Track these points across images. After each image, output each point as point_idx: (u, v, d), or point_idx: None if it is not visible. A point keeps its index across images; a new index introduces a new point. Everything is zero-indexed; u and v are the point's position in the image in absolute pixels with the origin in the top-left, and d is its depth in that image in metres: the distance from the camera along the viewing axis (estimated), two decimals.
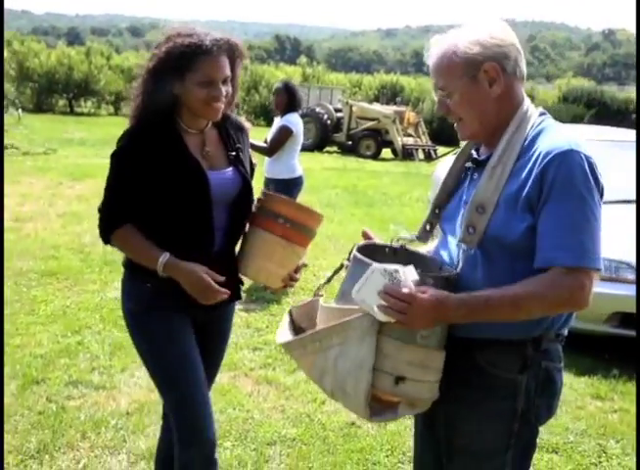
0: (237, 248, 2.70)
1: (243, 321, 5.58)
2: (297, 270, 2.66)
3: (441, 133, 24.96)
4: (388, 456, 3.71)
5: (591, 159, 1.90)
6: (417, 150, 21.83)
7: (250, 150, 2.79)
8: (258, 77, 33.61)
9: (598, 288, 5.29)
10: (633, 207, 5.33)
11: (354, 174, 16.24)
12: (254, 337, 5.29)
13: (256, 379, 4.60)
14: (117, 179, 2.49)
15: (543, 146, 1.91)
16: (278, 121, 6.79)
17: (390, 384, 1.89)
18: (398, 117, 21.39)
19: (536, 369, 2.00)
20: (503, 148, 1.97)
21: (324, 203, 10.95)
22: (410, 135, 22.12)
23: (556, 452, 3.87)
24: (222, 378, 4.30)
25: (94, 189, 11.28)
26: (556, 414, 4.11)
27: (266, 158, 6.73)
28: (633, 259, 5.08)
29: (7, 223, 8.50)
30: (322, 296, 2.17)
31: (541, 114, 2.05)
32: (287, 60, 72.43)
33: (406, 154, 21.24)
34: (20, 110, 22.10)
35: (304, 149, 21.38)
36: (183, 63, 2.39)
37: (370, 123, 21.66)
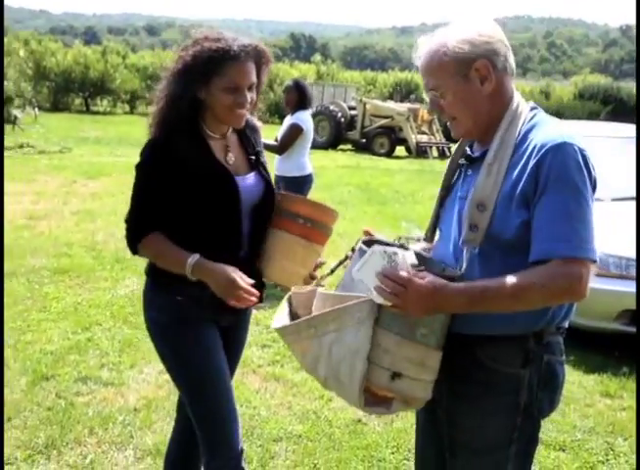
0: None
1: (252, 318, 5.53)
2: (315, 268, 2.64)
3: None
4: (393, 453, 3.71)
5: (585, 151, 1.91)
6: (431, 147, 21.76)
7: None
8: (273, 76, 33.57)
9: (608, 285, 5.26)
10: None
11: (368, 172, 16.23)
12: (263, 334, 5.31)
13: (264, 376, 4.61)
14: (143, 190, 2.44)
15: (537, 140, 1.92)
16: (288, 119, 6.80)
17: (387, 379, 1.89)
18: (412, 115, 21.33)
19: (539, 363, 2.00)
20: (498, 144, 1.98)
21: (337, 200, 10.94)
22: (424, 133, 22.05)
23: (563, 450, 3.85)
24: None
25: (108, 187, 11.40)
26: (564, 412, 4.18)
27: (276, 155, 6.74)
28: None
29: (21, 221, 8.63)
30: (323, 286, 2.18)
31: (532, 108, 2.06)
32: (302, 58, 72.45)
33: (420, 151, 21.17)
34: (36, 108, 22.23)
35: (318, 147, 21.58)
36: (210, 67, 2.35)
37: (384, 121, 21.64)
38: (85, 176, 12.62)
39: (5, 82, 17.89)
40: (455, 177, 2.19)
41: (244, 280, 2.35)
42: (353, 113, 22.63)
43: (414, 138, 21.14)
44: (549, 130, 1.95)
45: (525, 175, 1.89)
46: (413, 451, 3.61)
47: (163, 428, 3.81)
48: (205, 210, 2.42)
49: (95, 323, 5.35)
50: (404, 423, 3.95)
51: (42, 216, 9.05)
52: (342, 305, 1.90)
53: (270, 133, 6.55)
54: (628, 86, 40.17)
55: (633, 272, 5.11)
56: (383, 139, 21.78)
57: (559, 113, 31.72)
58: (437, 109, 2.06)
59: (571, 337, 5.20)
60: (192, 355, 2.52)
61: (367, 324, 1.87)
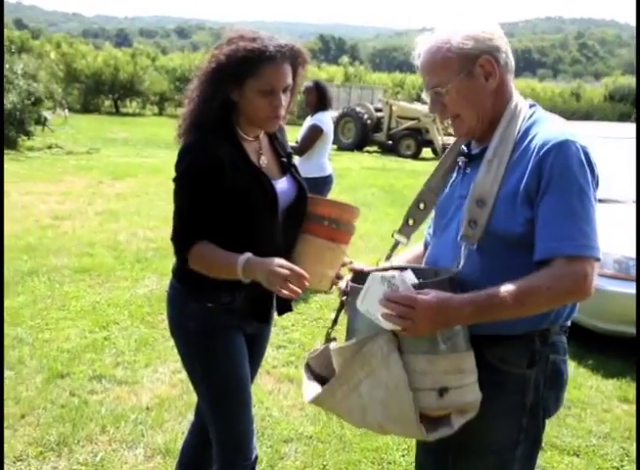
0: None
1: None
2: (341, 267, 2.60)
3: None
4: (404, 456, 3.69)
5: (587, 148, 1.89)
6: None
7: None
8: (301, 77, 33.72)
9: (629, 289, 5.16)
10: None
11: (392, 174, 16.19)
12: (280, 335, 5.30)
13: (278, 377, 4.61)
14: (190, 197, 2.35)
15: (538, 137, 1.91)
16: (309, 120, 6.79)
17: (435, 399, 1.85)
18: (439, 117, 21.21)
19: (544, 363, 1.99)
20: (498, 141, 1.97)
21: (360, 202, 10.87)
22: (450, 134, 21.85)
23: (577, 455, 3.80)
24: None
25: (133, 188, 11.50)
26: (580, 417, 4.14)
27: (296, 156, 6.73)
28: None
29: (46, 221, 8.74)
30: (334, 340, 2.13)
31: (531, 105, 2.06)
32: (331, 60, 72.59)
33: None
34: (66, 110, 22.51)
35: (344, 148, 21.56)
36: (245, 68, 2.26)
37: (410, 123, 21.58)
38: (111, 177, 12.73)
39: (35, 84, 18.15)
40: (453, 176, 2.17)
41: (286, 266, 2.19)
42: (380, 114, 22.60)
43: (440, 140, 21.02)
44: (551, 128, 1.94)
45: (528, 173, 1.88)
46: None
47: (175, 427, 3.83)
48: (243, 216, 2.36)
49: (113, 322, 5.38)
50: None
51: (67, 216, 9.14)
52: (363, 351, 1.87)
53: (292, 135, 6.54)
54: None
55: None
56: (409, 141, 21.73)
57: (589, 114, 31.44)
58: (440, 107, 2.03)
59: (590, 341, 5.22)
60: (219, 365, 2.51)
61: (393, 356, 1.83)
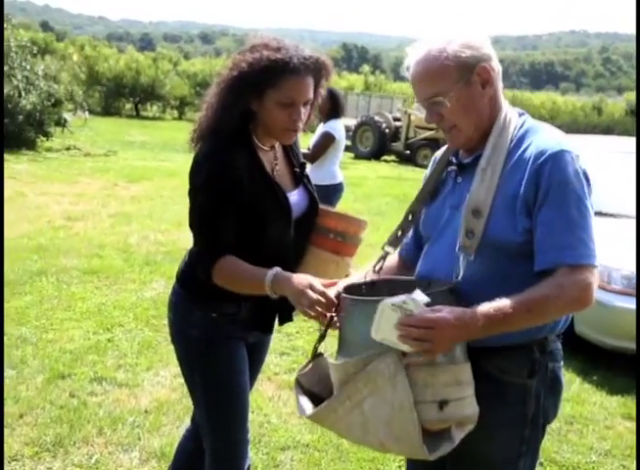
0: None
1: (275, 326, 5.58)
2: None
3: None
4: (400, 467, 3.65)
5: (580, 157, 1.91)
6: None
7: None
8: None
9: (634, 305, 5.06)
10: None
11: (408, 183, 16.12)
12: (284, 342, 5.28)
13: (279, 384, 4.58)
14: (213, 212, 2.27)
15: (534, 147, 1.92)
16: (321, 128, 6.78)
17: (436, 412, 1.82)
18: None
19: (544, 372, 2.00)
20: (491, 150, 1.96)
21: (373, 211, 10.89)
22: None
23: None
24: None
25: (148, 191, 11.54)
26: (581, 433, 4.10)
27: (308, 164, 6.72)
28: None
29: (59, 221, 8.78)
30: (322, 355, 2.10)
31: (520, 114, 2.06)
32: (353, 68, 72.67)
33: None
34: (86, 112, 22.67)
35: (362, 157, 21.51)
36: (266, 78, 2.21)
37: (428, 133, 21.47)
38: (127, 180, 12.79)
39: (56, 86, 18.31)
40: (443, 186, 2.15)
41: (317, 290, 2.05)
42: (398, 124, 22.56)
43: None
44: (546, 137, 1.95)
45: (525, 183, 1.88)
46: None
47: (172, 431, 3.82)
48: (256, 227, 2.32)
49: (117, 324, 5.39)
50: None
51: (80, 217, 9.18)
52: (368, 368, 1.82)
53: (304, 142, 6.53)
54: None
55: None
56: (426, 151, 21.63)
57: (609, 128, 31.24)
58: (437, 118, 2.00)
59: (597, 357, 5.15)
60: (219, 375, 2.49)
61: (401, 376, 1.80)
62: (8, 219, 8.46)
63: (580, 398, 4.66)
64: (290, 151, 2.55)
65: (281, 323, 2.61)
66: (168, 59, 40.06)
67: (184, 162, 12.77)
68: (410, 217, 2.21)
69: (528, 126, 2.01)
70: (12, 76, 16.00)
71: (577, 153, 1.91)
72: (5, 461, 3.40)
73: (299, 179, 2.54)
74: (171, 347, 2.63)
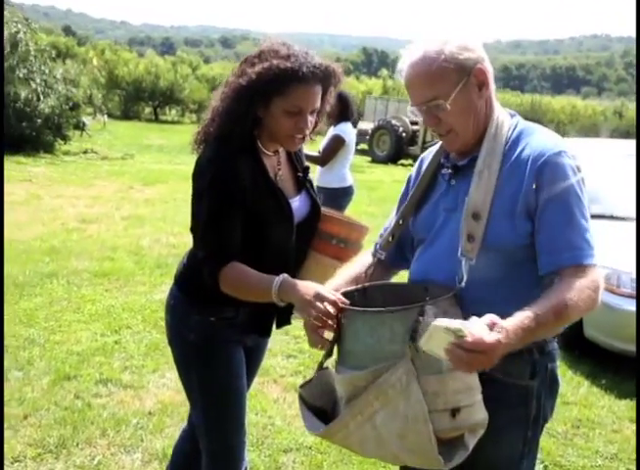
0: None
1: (282, 328, 5.56)
2: None
3: None
4: None
5: (575, 156, 1.92)
6: None
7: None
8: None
9: None
10: None
11: None
12: (291, 344, 5.27)
13: (285, 386, 4.58)
14: (218, 216, 2.24)
15: (531, 149, 1.91)
16: (331, 131, 6.77)
17: (448, 420, 1.79)
18: None
19: (544, 373, 2.00)
20: (486, 152, 1.94)
21: (386, 215, 10.74)
22: None
23: None
24: None
25: (163, 194, 11.60)
26: (588, 436, 4.08)
27: (318, 167, 6.72)
28: None
29: (73, 224, 8.84)
30: (327, 368, 2.06)
31: (512, 115, 2.04)
32: (373, 72, 72.66)
33: None
34: (105, 116, 22.82)
35: (379, 161, 21.46)
36: (274, 86, 2.19)
37: None
38: (142, 183, 12.86)
39: (74, 89, 18.44)
40: (433, 189, 2.12)
41: (327, 299, 1.96)
42: (415, 128, 22.48)
43: None
44: (542, 139, 1.94)
45: (525, 185, 1.87)
46: None
47: (175, 433, 3.79)
48: (257, 232, 2.30)
49: (125, 326, 5.41)
50: None
51: (93, 220, 9.24)
52: (380, 381, 1.78)
53: (314, 146, 6.52)
54: None
55: None
56: None
57: (629, 133, 30.99)
58: (434, 122, 1.97)
59: (606, 361, 5.10)
60: (216, 378, 2.49)
61: (413, 387, 1.75)
62: (22, 222, 8.57)
63: (588, 401, 4.62)
64: (293, 155, 2.54)
65: (279, 326, 2.60)
66: (188, 63, 40.27)
67: None
68: (401, 222, 2.18)
69: (522, 128, 1.99)
70: (31, 80, 16.15)
71: (573, 153, 1.91)
72: (7, 462, 3.42)
73: (302, 184, 2.53)
74: None
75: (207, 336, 2.44)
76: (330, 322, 1.95)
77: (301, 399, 2.07)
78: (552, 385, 2.04)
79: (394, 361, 1.76)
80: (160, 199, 11.21)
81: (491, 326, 1.65)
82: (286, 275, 2.13)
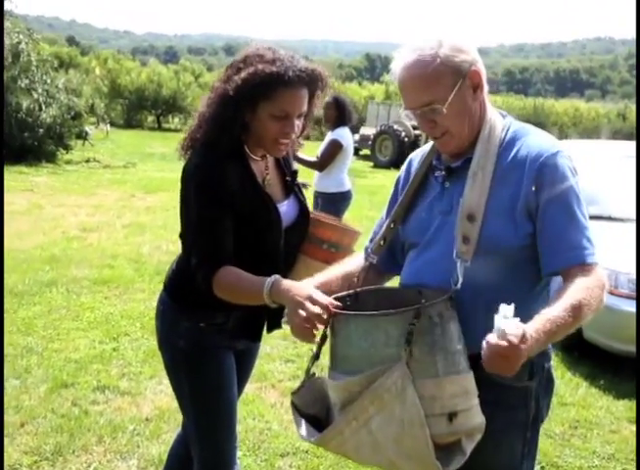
0: None
1: (280, 333, 5.53)
2: None
3: None
4: None
5: (571, 157, 1.93)
6: None
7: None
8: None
9: None
10: None
11: None
12: (289, 349, 5.27)
13: (282, 391, 4.57)
14: (209, 217, 2.23)
15: (528, 150, 1.91)
16: (329, 136, 6.78)
17: (446, 424, 1.77)
18: None
19: (541, 372, 2.00)
20: (480, 153, 1.93)
21: None
22: None
23: None
24: (248, 388, 4.26)
25: (164, 202, 11.61)
26: (585, 437, 4.05)
27: (316, 172, 6.72)
28: None
29: (73, 232, 8.86)
30: (314, 375, 2.03)
31: (504, 115, 2.04)
32: (376, 78, 72.74)
33: None
34: (107, 125, 22.87)
35: (381, 166, 21.44)
36: (261, 91, 2.18)
37: None
38: (144, 191, 12.89)
39: (76, 99, 18.50)
40: (425, 191, 2.10)
41: (319, 302, 1.92)
42: (417, 132, 22.45)
43: None
44: (538, 139, 1.94)
45: (524, 186, 1.87)
46: None
47: (171, 439, 3.74)
48: (245, 237, 2.29)
49: (123, 334, 5.41)
50: None
51: (94, 228, 9.26)
52: (374, 386, 1.76)
53: (312, 151, 6.53)
54: None
55: None
56: None
57: (632, 135, 30.92)
58: (430, 125, 1.94)
59: (605, 362, 5.08)
60: (207, 385, 2.48)
61: (409, 390, 1.73)
62: (23, 231, 8.59)
63: (586, 402, 4.61)
64: (281, 159, 2.53)
65: (269, 330, 2.58)
66: (191, 71, 40.33)
67: None
68: (392, 225, 2.15)
69: (516, 128, 1.99)
70: (32, 90, 16.21)
71: (569, 153, 1.92)
72: None
73: (291, 188, 2.52)
74: None
75: (197, 342, 2.43)
76: (320, 326, 1.92)
77: (294, 406, 2.04)
78: (548, 384, 2.04)
79: (390, 365, 1.74)
80: (161, 206, 11.23)
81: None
82: (278, 276, 2.10)
